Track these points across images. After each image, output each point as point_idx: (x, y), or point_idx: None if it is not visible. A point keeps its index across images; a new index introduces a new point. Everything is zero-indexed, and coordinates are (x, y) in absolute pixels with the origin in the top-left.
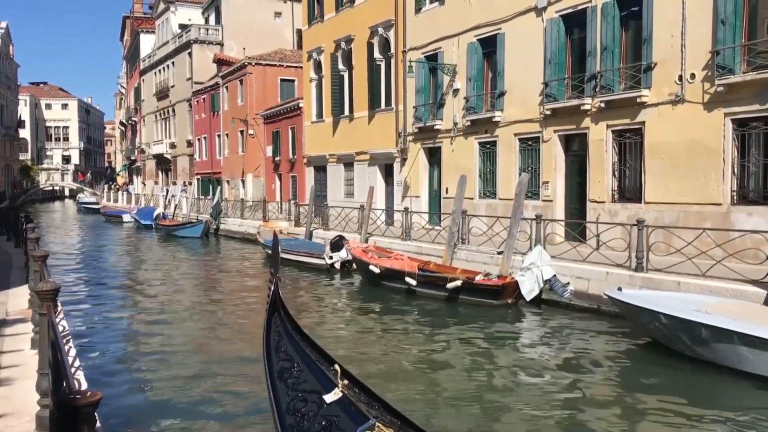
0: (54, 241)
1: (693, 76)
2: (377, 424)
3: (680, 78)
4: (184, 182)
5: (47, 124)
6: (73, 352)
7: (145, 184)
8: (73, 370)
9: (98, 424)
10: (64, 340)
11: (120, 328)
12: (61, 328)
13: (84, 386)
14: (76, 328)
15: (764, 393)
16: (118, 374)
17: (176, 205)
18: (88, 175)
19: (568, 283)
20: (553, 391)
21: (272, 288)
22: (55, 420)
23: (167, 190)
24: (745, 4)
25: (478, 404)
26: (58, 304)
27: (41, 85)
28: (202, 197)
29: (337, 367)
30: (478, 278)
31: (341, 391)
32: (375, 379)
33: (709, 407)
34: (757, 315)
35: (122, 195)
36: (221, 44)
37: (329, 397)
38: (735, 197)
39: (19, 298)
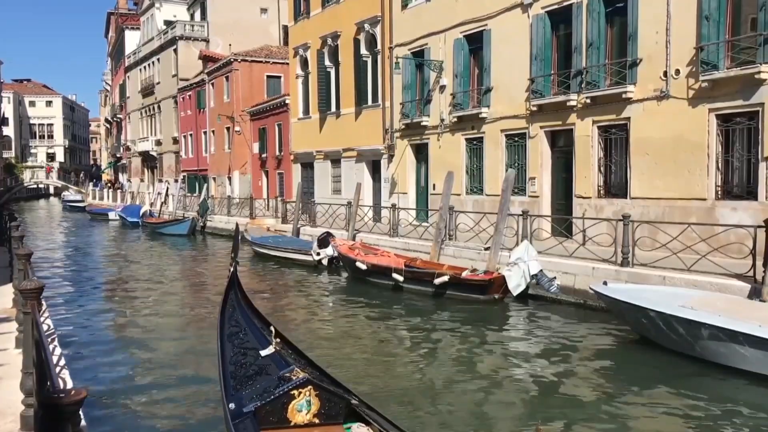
0: (38, 240)
1: (678, 72)
2: (296, 368)
3: (665, 74)
4: (181, 178)
5: (31, 121)
6: (58, 350)
7: (130, 182)
8: (58, 368)
9: (83, 422)
10: (49, 339)
11: (105, 326)
12: (45, 327)
13: (69, 385)
14: (61, 326)
15: (748, 388)
16: (103, 372)
17: (162, 203)
18: (81, 175)
19: (555, 278)
20: (539, 386)
21: (231, 270)
22: (40, 419)
23: (167, 187)
24: (728, 0)
25: (464, 400)
26: (42, 302)
27: (25, 82)
28: (189, 194)
29: (272, 329)
30: (465, 274)
31: (274, 348)
32: (361, 374)
33: (694, 403)
34: (741, 310)
35: (116, 192)
36: (207, 41)
37: (264, 352)
38: (719, 192)
39: (3, 297)
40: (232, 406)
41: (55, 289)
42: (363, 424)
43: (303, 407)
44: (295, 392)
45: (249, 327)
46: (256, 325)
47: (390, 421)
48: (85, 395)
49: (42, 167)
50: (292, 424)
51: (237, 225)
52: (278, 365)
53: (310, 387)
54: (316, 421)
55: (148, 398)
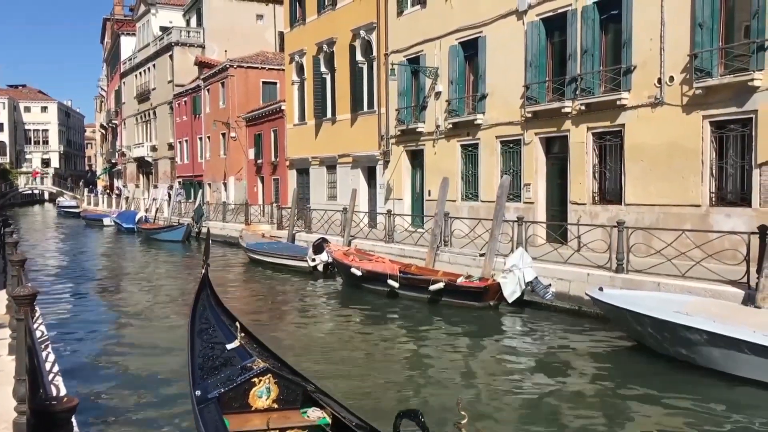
0: (33, 246)
1: (672, 78)
2: (257, 359)
3: (659, 81)
4: (178, 184)
5: (26, 127)
6: (51, 357)
7: (126, 187)
8: (51, 375)
9: (76, 429)
10: (43, 346)
11: (99, 332)
12: (39, 334)
13: (63, 392)
14: (55, 332)
15: (741, 393)
16: (97, 379)
17: (157, 209)
18: (81, 183)
19: (550, 285)
20: (534, 393)
21: (203, 271)
22: (32, 426)
23: (169, 194)
24: (722, 7)
25: (454, 405)
26: (36, 309)
27: (20, 87)
28: (184, 200)
29: (237, 324)
30: (460, 280)
31: (239, 342)
32: (354, 379)
33: (688, 409)
34: (736, 315)
35: (111, 198)
36: (203, 47)
37: (230, 346)
38: (713, 199)
39: None
40: (198, 393)
41: (49, 295)
42: (318, 408)
43: (263, 393)
44: (256, 380)
45: (217, 324)
46: (224, 322)
47: (342, 405)
48: (77, 403)
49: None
50: (253, 408)
51: (209, 230)
52: (242, 357)
53: (269, 375)
54: (275, 406)
55: (137, 399)
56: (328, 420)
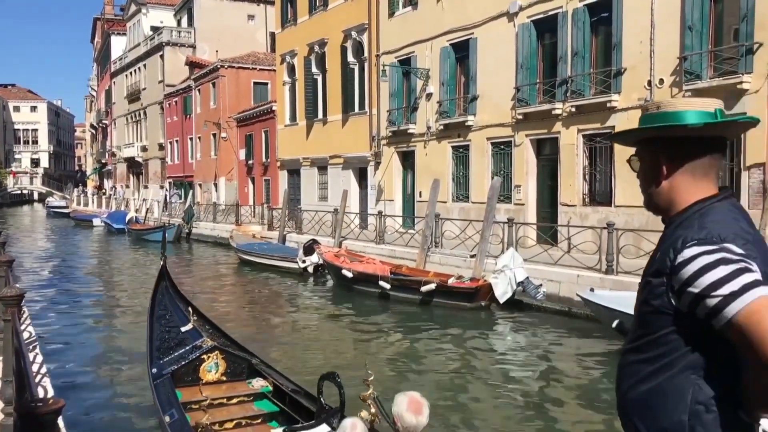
0: (21, 246)
1: (662, 81)
2: (206, 338)
3: (649, 83)
4: (170, 184)
5: (15, 126)
6: (39, 358)
7: (115, 187)
8: (39, 377)
9: (63, 431)
10: (31, 347)
11: (88, 333)
12: (27, 335)
13: (51, 393)
14: (44, 333)
15: None
16: (86, 379)
17: (147, 209)
18: (79, 184)
19: (541, 285)
20: (524, 394)
21: (162, 263)
22: (18, 428)
23: (165, 195)
24: (711, 11)
25: (449, 408)
26: (24, 310)
27: (9, 87)
28: (179, 201)
29: (190, 309)
30: (451, 281)
31: (192, 324)
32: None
33: None
34: None
35: (101, 198)
36: (193, 47)
37: (184, 328)
38: None
39: None
40: (154, 370)
41: (38, 296)
42: (261, 378)
43: (212, 368)
44: (205, 357)
45: (174, 310)
46: (180, 308)
47: (282, 374)
48: (63, 405)
49: (26, 173)
50: (203, 381)
51: (164, 225)
52: (194, 337)
53: (216, 352)
54: (224, 378)
55: (126, 398)
56: (270, 388)
